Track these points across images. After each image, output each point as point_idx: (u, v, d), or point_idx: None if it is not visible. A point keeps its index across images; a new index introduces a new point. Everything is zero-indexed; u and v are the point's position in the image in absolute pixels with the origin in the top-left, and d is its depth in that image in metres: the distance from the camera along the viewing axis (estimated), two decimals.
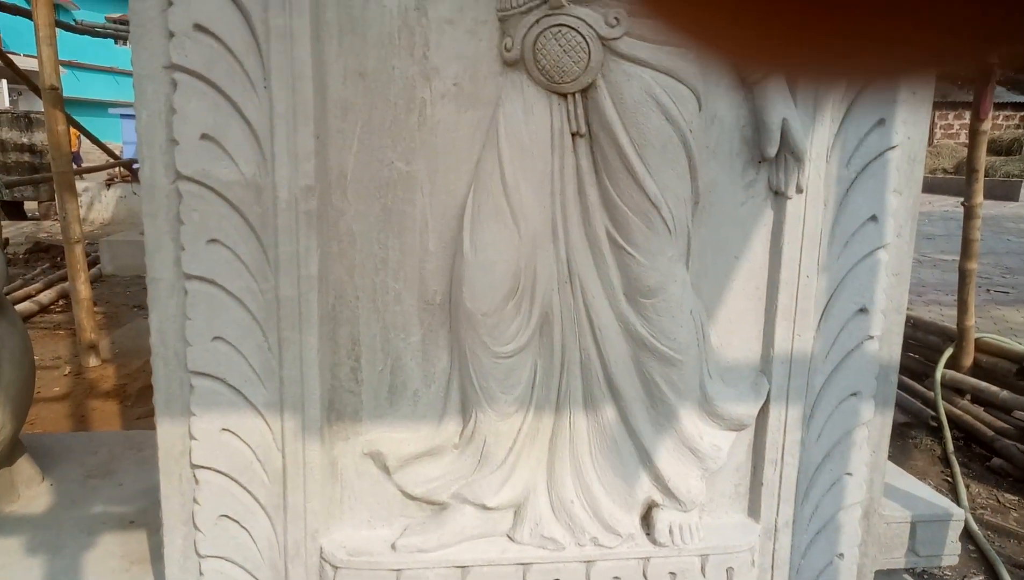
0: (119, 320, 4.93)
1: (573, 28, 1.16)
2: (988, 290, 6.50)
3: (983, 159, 3.56)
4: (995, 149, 15.87)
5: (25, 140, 9.09)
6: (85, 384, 3.60)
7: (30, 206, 9.31)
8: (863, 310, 1.37)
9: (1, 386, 1.75)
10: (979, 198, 3.57)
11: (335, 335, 1.30)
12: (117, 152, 9.32)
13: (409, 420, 1.32)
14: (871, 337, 1.38)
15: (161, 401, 1.25)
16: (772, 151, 1.27)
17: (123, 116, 9.40)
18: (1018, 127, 17.60)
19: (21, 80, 5.09)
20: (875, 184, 1.33)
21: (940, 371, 3.59)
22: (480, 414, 1.29)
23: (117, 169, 8.36)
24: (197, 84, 1.15)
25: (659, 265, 1.26)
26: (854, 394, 1.39)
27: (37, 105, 6.06)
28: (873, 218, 1.34)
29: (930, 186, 15.00)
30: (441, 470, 1.33)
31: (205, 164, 1.17)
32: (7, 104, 14.64)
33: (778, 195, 1.33)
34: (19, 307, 4.77)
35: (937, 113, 18.64)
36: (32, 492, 1.88)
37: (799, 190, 1.31)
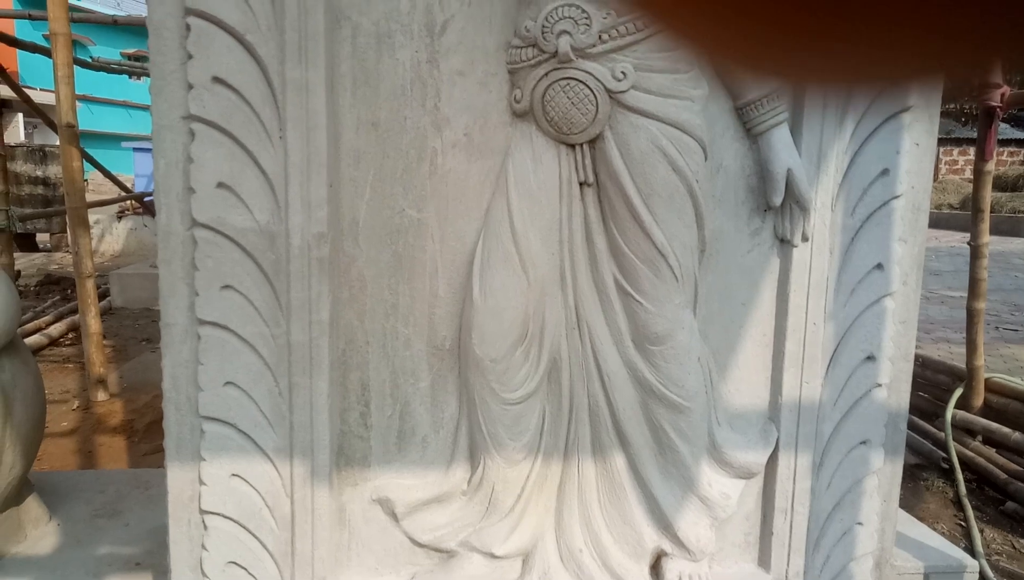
0: (128, 353, 4.95)
1: (581, 81, 1.19)
2: (997, 327, 6.46)
3: (988, 199, 3.57)
4: (1001, 185, 15.91)
5: (39, 173, 9.23)
6: (93, 419, 3.60)
7: (42, 238, 9.43)
8: (871, 358, 1.37)
9: (12, 426, 1.76)
10: (985, 238, 3.58)
11: (345, 380, 1.31)
12: (129, 184, 9.46)
13: (417, 466, 1.33)
14: (879, 385, 1.38)
15: (172, 446, 1.26)
16: (778, 200, 1.29)
17: (135, 149, 9.54)
18: (1023, 163, 17.66)
19: (38, 115, 5.19)
20: (880, 233, 1.34)
21: (950, 412, 3.55)
22: (488, 460, 1.29)
23: (129, 202, 8.46)
24: (214, 134, 1.18)
25: (666, 312, 1.27)
26: (863, 442, 1.39)
27: (52, 138, 6.16)
28: (879, 266, 1.35)
29: (936, 222, 15.01)
30: (449, 517, 1.32)
31: (220, 212, 1.20)
32: (23, 137, 14.89)
33: (784, 243, 1.35)
34: (29, 340, 4.80)
35: (942, 149, 18.73)
36: (39, 532, 1.87)
37: (805, 238, 1.32)
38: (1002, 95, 3.45)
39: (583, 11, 1.17)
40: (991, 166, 3.52)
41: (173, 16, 1.16)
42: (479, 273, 1.26)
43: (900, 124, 1.32)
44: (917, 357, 3.86)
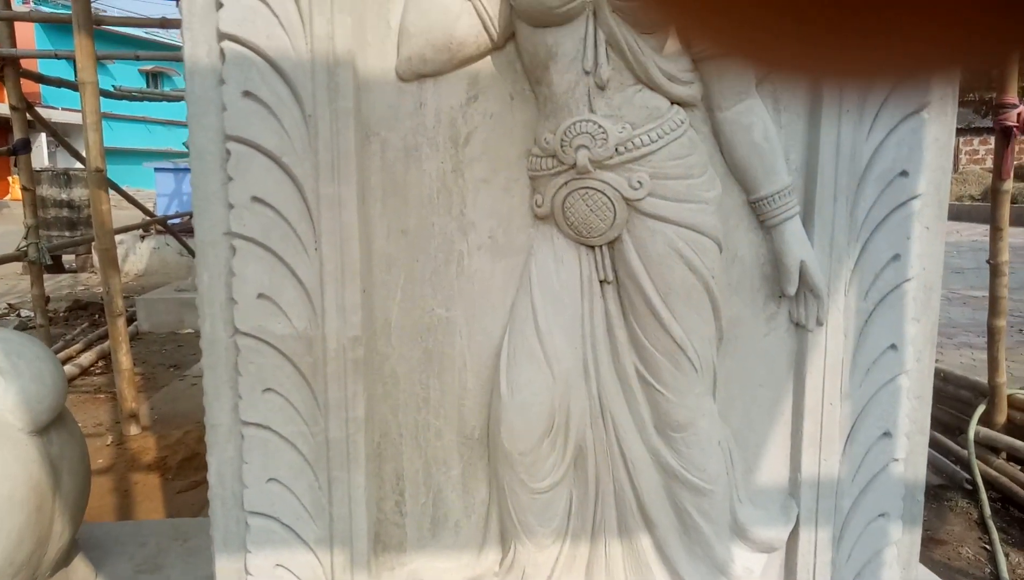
0: (157, 381, 5.07)
1: (599, 191, 1.25)
2: (1021, 330, 6.39)
3: (1007, 217, 3.57)
4: (1023, 175, 15.66)
5: (64, 196, 9.41)
6: (127, 456, 3.72)
7: (67, 258, 9.62)
8: (887, 434, 1.41)
9: (61, 496, 1.85)
10: (1005, 256, 3.57)
11: (380, 471, 1.38)
12: (150, 201, 9.63)
13: (451, 550, 1.39)
14: (896, 459, 1.42)
15: (219, 539, 1.33)
16: (792, 290, 1.33)
17: (157, 169, 9.71)
18: None
19: (60, 144, 5.32)
20: (893, 315, 1.38)
21: (973, 430, 3.56)
22: (519, 546, 1.36)
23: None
24: (254, 249, 1.25)
25: (687, 402, 1.32)
26: (882, 515, 1.43)
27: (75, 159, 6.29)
28: (893, 347, 1.39)
29: (957, 214, 14.79)
30: None
31: (261, 320, 1.27)
32: (46, 158, 15.15)
33: (799, 327, 1.39)
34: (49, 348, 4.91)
35: (962, 139, 18.46)
36: None
37: (819, 323, 1.37)
38: (1019, 115, 3.45)
39: (600, 126, 1.22)
40: (1008, 185, 3.52)
41: (214, 142, 1.23)
42: (506, 369, 1.32)
43: (910, 211, 1.36)
44: (938, 371, 3.86)
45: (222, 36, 1.20)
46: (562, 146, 1.24)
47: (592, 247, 1.31)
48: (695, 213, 1.26)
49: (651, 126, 1.24)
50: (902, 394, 1.41)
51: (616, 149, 1.23)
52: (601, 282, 1.33)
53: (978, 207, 14.55)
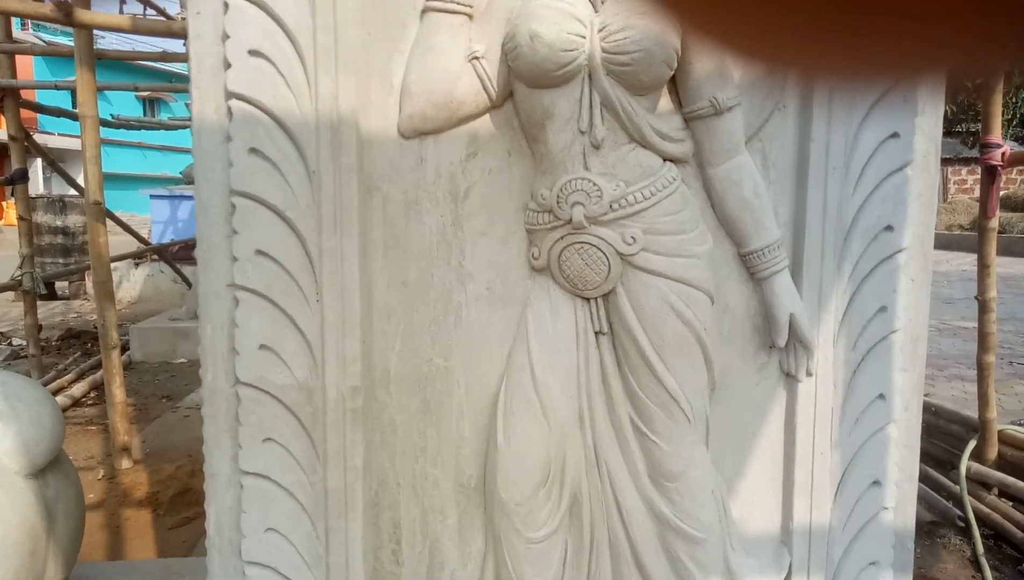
0: (149, 412, 5.04)
1: (594, 245, 1.28)
2: (1011, 362, 6.42)
3: (993, 254, 3.63)
4: (1012, 206, 15.85)
5: (59, 223, 9.41)
6: (118, 491, 3.69)
7: (60, 284, 9.59)
8: (876, 483, 1.44)
9: (55, 539, 1.85)
10: (992, 292, 3.62)
11: (378, 520, 1.39)
12: (144, 226, 9.64)
13: None
14: (885, 508, 1.44)
15: None
16: (782, 342, 1.37)
17: (153, 196, 9.75)
18: None
19: (58, 173, 5.34)
20: (881, 365, 1.42)
21: (964, 465, 3.58)
22: None
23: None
24: (257, 301, 1.28)
25: (680, 451, 1.34)
26: (873, 563, 1.45)
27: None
28: (881, 396, 1.42)
29: (946, 243, 14.92)
30: None
31: (262, 371, 1.29)
32: (41, 183, 15.17)
33: (790, 377, 1.42)
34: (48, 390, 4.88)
35: (950, 169, 18.71)
36: None
37: (809, 374, 1.40)
38: (1003, 154, 3.53)
39: (595, 184, 1.26)
40: (994, 223, 3.59)
41: (220, 195, 1.27)
42: (502, 420, 1.34)
43: (896, 264, 1.40)
44: (929, 405, 3.88)
45: (230, 95, 1.23)
46: (558, 202, 1.28)
47: (587, 299, 1.34)
48: (687, 267, 1.30)
49: (644, 183, 1.28)
50: (891, 443, 1.43)
51: (610, 206, 1.26)
52: (596, 333, 1.36)
53: (967, 237, 14.70)
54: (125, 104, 14.20)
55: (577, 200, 1.26)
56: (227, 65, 1.23)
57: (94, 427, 4.76)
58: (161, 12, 7.03)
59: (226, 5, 1.21)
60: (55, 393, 5.22)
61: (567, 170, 1.28)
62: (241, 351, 1.28)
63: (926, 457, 3.42)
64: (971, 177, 18.66)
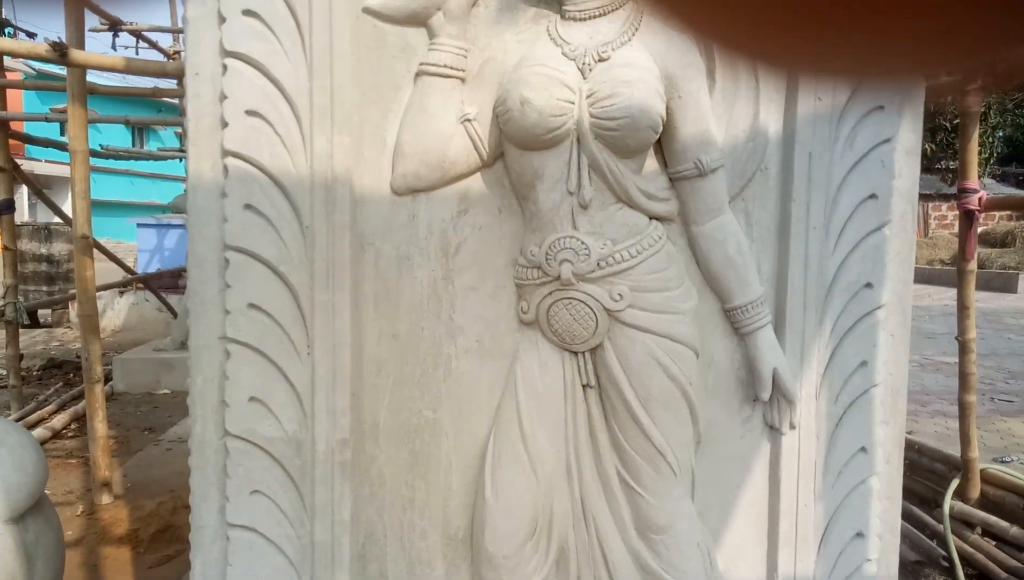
0: (130, 445, 4.97)
1: (582, 301, 1.31)
2: (992, 398, 6.47)
3: (973, 296, 3.70)
4: (990, 242, 16.13)
5: (43, 251, 9.35)
6: (98, 527, 3.62)
7: (42, 312, 9.48)
8: (859, 535, 1.46)
9: None
10: (972, 333, 3.68)
11: (364, 572, 1.39)
12: (130, 253, 9.59)
13: None
14: (868, 559, 1.46)
15: None
16: (766, 396, 1.40)
17: (140, 225, 9.72)
18: (1011, 219, 17.97)
19: (46, 204, 5.33)
20: (862, 418, 1.45)
21: (948, 505, 3.60)
22: None
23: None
24: (248, 353, 1.29)
25: (667, 505, 1.36)
26: None
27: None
28: (863, 449, 1.45)
29: (927, 277, 15.11)
30: None
31: (252, 423, 1.30)
32: (26, 210, 15.06)
33: (773, 430, 1.45)
34: (33, 434, 4.80)
35: (931, 205, 19.05)
36: None
37: (792, 427, 1.43)
38: (979, 199, 3.62)
39: (583, 243, 1.29)
40: (973, 266, 3.66)
41: (214, 250, 1.29)
42: (490, 473, 1.35)
43: (875, 320, 1.43)
44: (913, 443, 3.92)
45: (226, 153, 1.26)
46: (547, 259, 1.31)
47: (575, 353, 1.37)
48: (673, 323, 1.33)
49: (631, 242, 1.31)
50: (873, 495, 1.46)
51: (598, 264, 1.30)
52: (584, 387, 1.38)
53: (948, 271, 14.89)
54: (114, 132, 14.18)
55: (566, 257, 1.29)
56: (224, 124, 1.26)
57: (74, 460, 4.69)
58: (153, 45, 7.09)
59: (224, 67, 1.25)
60: (35, 424, 5.14)
61: (556, 228, 1.31)
62: (231, 403, 1.29)
63: (910, 495, 3.45)
64: (951, 213, 19.02)
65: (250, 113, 1.25)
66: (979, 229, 3.62)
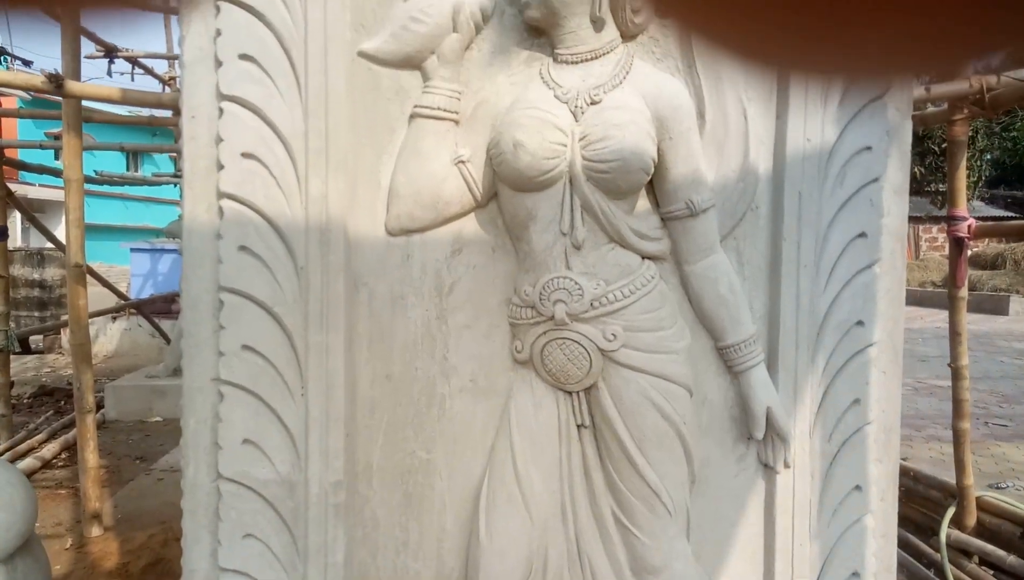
0: (122, 475, 4.91)
1: (576, 341, 1.31)
2: (986, 423, 6.47)
3: (964, 322, 3.72)
4: (980, 264, 16.24)
5: (36, 276, 9.32)
6: (87, 561, 3.57)
7: (34, 337, 9.42)
8: (855, 574, 1.45)
9: None
10: (964, 360, 3.69)
11: None
12: (123, 277, 9.55)
13: None
14: None
15: None
16: (759, 435, 1.40)
17: (133, 250, 9.71)
18: (1001, 241, 18.13)
19: (37, 229, 5.32)
20: (856, 456, 1.45)
21: (944, 533, 3.58)
22: None
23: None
24: (242, 395, 1.29)
25: (662, 545, 1.35)
26: None
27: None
28: (857, 487, 1.45)
29: (920, 299, 15.18)
30: None
31: (245, 466, 1.29)
32: (19, 235, 15.03)
33: (768, 468, 1.45)
34: (22, 465, 4.75)
35: (921, 227, 19.21)
36: None
37: (787, 465, 1.42)
38: (969, 226, 3.65)
39: (576, 283, 1.30)
40: (964, 293, 3.69)
41: (208, 292, 1.29)
42: (485, 514, 1.35)
43: (867, 358, 1.44)
44: (908, 470, 3.91)
45: (221, 195, 1.27)
46: (541, 299, 1.31)
47: (569, 393, 1.37)
48: (666, 363, 1.33)
49: (624, 282, 1.32)
50: (868, 534, 1.45)
51: (591, 304, 1.30)
52: (578, 426, 1.38)
53: (939, 293, 14.96)
54: (109, 156, 14.19)
55: (559, 298, 1.30)
56: (220, 166, 1.26)
57: (64, 491, 4.62)
58: (148, 71, 7.14)
59: (221, 110, 1.26)
60: (25, 454, 5.08)
61: (549, 269, 1.32)
62: (224, 445, 1.28)
63: (906, 522, 3.44)
64: (941, 235, 19.18)
65: (246, 156, 1.26)
66: (969, 251, 3.64)
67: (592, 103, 1.29)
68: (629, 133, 1.26)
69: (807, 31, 0.20)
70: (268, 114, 1.26)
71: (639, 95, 1.31)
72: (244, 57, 1.25)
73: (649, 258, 1.37)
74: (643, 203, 1.39)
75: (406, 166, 1.34)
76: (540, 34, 1.36)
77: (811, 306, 1.42)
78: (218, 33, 1.24)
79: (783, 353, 1.42)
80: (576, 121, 1.29)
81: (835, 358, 1.43)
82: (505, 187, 1.33)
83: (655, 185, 1.37)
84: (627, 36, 1.36)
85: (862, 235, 1.42)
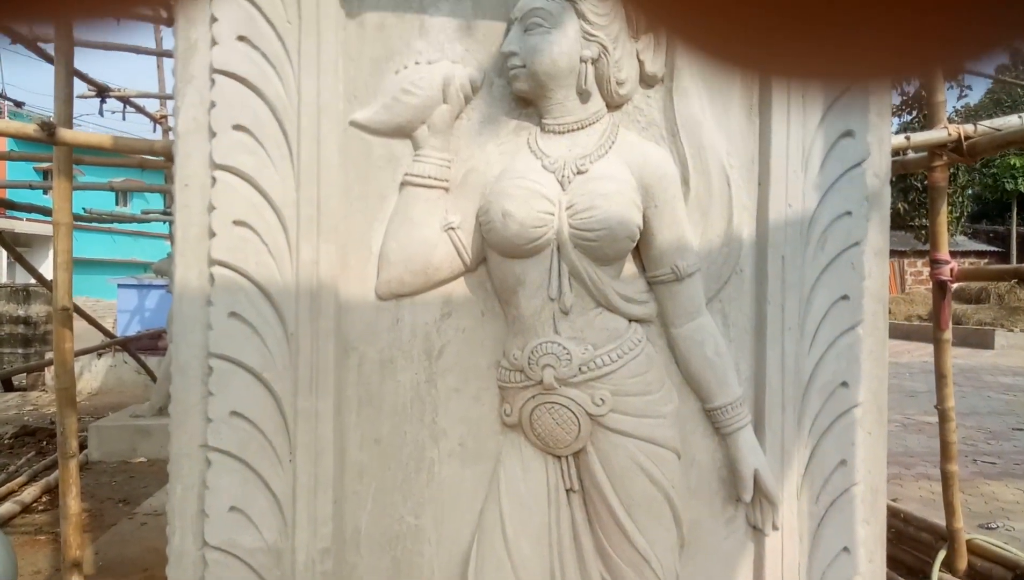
0: (104, 519, 4.81)
1: (564, 406, 1.32)
2: (975, 461, 6.47)
3: (949, 364, 3.75)
4: (965, 298, 16.40)
5: (21, 313, 9.24)
6: None
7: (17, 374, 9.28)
8: None
9: None
10: (951, 402, 3.71)
11: None
12: (109, 312, 9.47)
13: None
14: None
15: None
16: (747, 497, 1.40)
17: (120, 286, 9.65)
18: None
19: (24, 267, 5.27)
20: (843, 518, 1.45)
21: (936, 577, 3.56)
22: None
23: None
24: (229, 462, 1.28)
25: None
26: None
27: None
28: (845, 549, 1.45)
29: (906, 333, 15.26)
30: None
31: (232, 534, 1.28)
32: (4, 270, 14.92)
33: (756, 530, 1.45)
34: (1, 510, 4.65)
35: (906, 261, 19.46)
36: None
37: (775, 528, 1.43)
38: (951, 270, 3.71)
39: (564, 348, 1.32)
40: (947, 335, 3.73)
41: (197, 358, 1.29)
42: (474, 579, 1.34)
43: (852, 418, 1.46)
44: (898, 511, 3.90)
45: (213, 262, 1.28)
46: (529, 363, 1.32)
47: (558, 457, 1.37)
48: (654, 427, 1.34)
49: (611, 346, 1.34)
50: None
51: (580, 369, 1.32)
52: (567, 491, 1.38)
53: (926, 327, 15.08)
54: (98, 192, 14.18)
55: (548, 362, 1.31)
56: (212, 234, 1.28)
57: (43, 537, 4.52)
58: (140, 109, 7.18)
59: (214, 179, 1.28)
60: (4, 497, 4.98)
61: (538, 333, 1.33)
62: (210, 513, 1.28)
63: (898, 565, 3.42)
64: (926, 269, 19.35)
65: (238, 223, 1.28)
66: (954, 286, 3.69)
67: (579, 173, 1.32)
68: (615, 203, 1.29)
69: (796, 31, 0.20)
70: (260, 183, 1.28)
71: (624, 164, 1.34)
72: (238, 128, 1.28)
73: (636, 321, 1.39)
74: (629, 267, 1.41)
75: (397, 232, 1.36)
76: (528, 104, 1.40)
77: (796, 368, 1.44)
78: (212, 104, 1.27)
79: (769, 415, 1.43)
80: (563, 190, 1.32)
81: (821, 419, 1.45)
82: (494, 253, 1.35)
83: (641, 250, 1.40)
84: (612, 106, 1.40)
85: (845, 297, 1.45)
